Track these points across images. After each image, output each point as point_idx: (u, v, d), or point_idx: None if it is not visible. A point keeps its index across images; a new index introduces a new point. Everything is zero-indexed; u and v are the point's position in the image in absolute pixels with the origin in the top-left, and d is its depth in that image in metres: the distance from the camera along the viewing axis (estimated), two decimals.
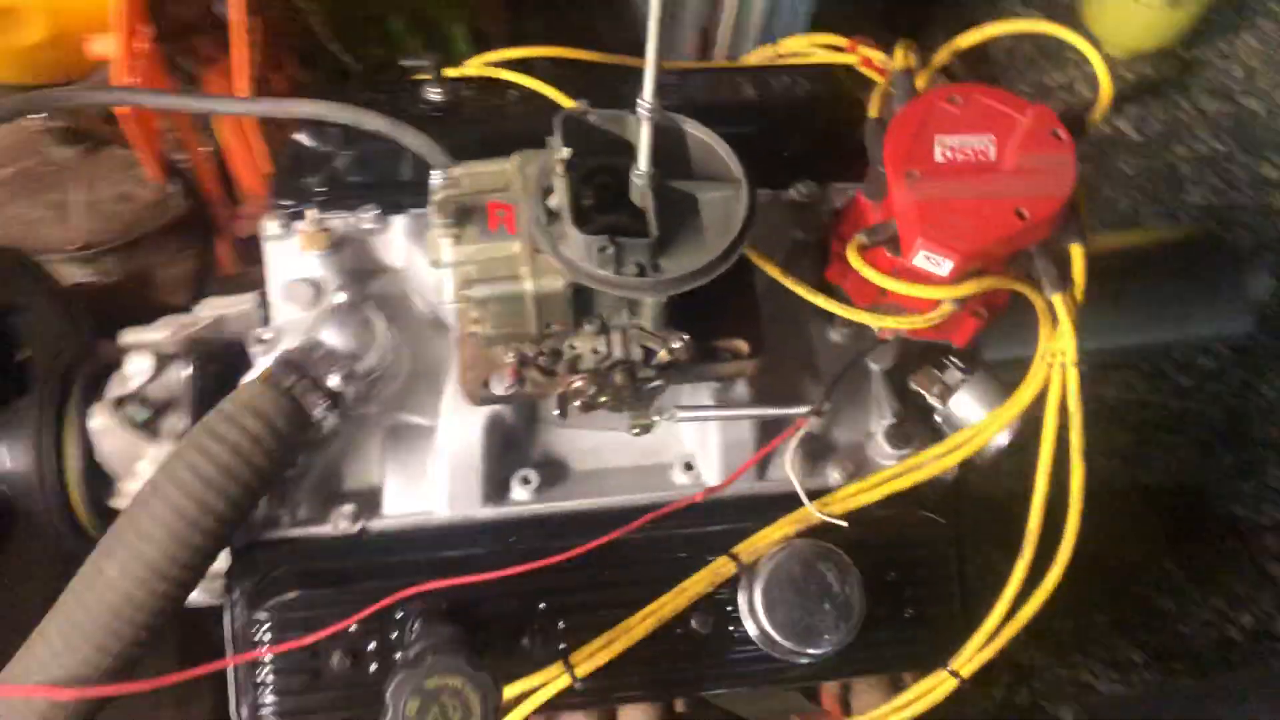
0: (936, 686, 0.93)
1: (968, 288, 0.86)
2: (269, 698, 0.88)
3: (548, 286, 0.84)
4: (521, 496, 0.98)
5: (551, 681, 0.87)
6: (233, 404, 0.87)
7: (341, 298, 0.99)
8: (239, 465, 0.85)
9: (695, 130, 0.88)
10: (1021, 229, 0.87)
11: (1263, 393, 2.18)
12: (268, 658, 0.88)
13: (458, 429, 0.96)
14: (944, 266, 0.86)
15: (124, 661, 0.84)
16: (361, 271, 1.04)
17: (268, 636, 0.88)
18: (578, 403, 0.88)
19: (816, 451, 1.01)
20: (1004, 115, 0.91)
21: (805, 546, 0.90)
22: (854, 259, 0.88)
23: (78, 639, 0.83)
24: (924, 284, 0.86)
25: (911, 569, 0.95)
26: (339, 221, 1.04)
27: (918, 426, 1.03)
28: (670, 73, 1.18)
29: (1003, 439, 0.98)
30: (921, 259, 0.86)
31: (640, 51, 0.75)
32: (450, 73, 1.14)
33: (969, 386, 1.02)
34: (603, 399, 0.87)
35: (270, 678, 0.88)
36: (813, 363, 1.04)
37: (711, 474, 0.99)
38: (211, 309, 1.06)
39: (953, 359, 1.03)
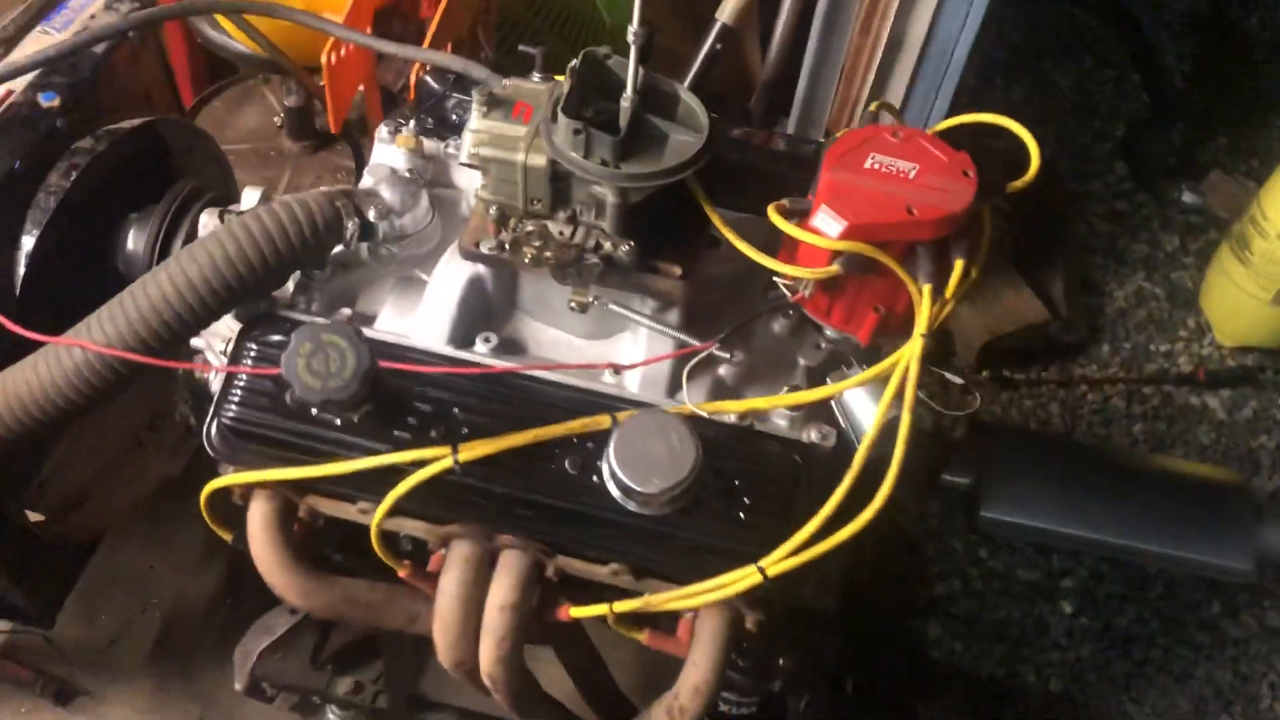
0: (743, 579, 1.07)
1: (845, 245, 1.07)
2: (234, 409, 1.13)
3: (534, 161, 1.11)
4: (480, 349, 1.21)
5: (438, 460, 1.08)
6: (295, 197, 1.17)
7: (406, 173, 1.29)
8: (280, 234, 1.13)
9: (685, 95, 1.15)
10: (906, 221, 1.08)
11: None
12: (243, 377, 1.13)
13: (446, 277, 1.22)
14: (834, 228, 1.07)
15: (148, 350, 1.11)
16: (433, 180, 1.34)
17: (249, 359, 1.14)
18: (530, 253, 1.12)
19: (720, 394, 1.21)
20: (932, 153, 1.14)
21: (664, 414, 1.09)
22: (771, 214, 1.11)
23: (121, 319, 1.11)
24: (815, 235, 1.08)
25: (756, 482, 1.12)
26: (431, 143, 1.36)
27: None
28: None
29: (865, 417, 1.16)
30: (819, 218, 1.08)
31: None
32: None
33: (861, 389, 1.20)
34: (547, 254, 1.12)
35: (239, 393, 1.13)
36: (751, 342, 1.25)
37: (633, 383, 1.20)
38: None
39: (854, 358, 1.22)
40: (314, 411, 1.11)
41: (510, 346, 1.24)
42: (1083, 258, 2.78)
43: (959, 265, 1.12)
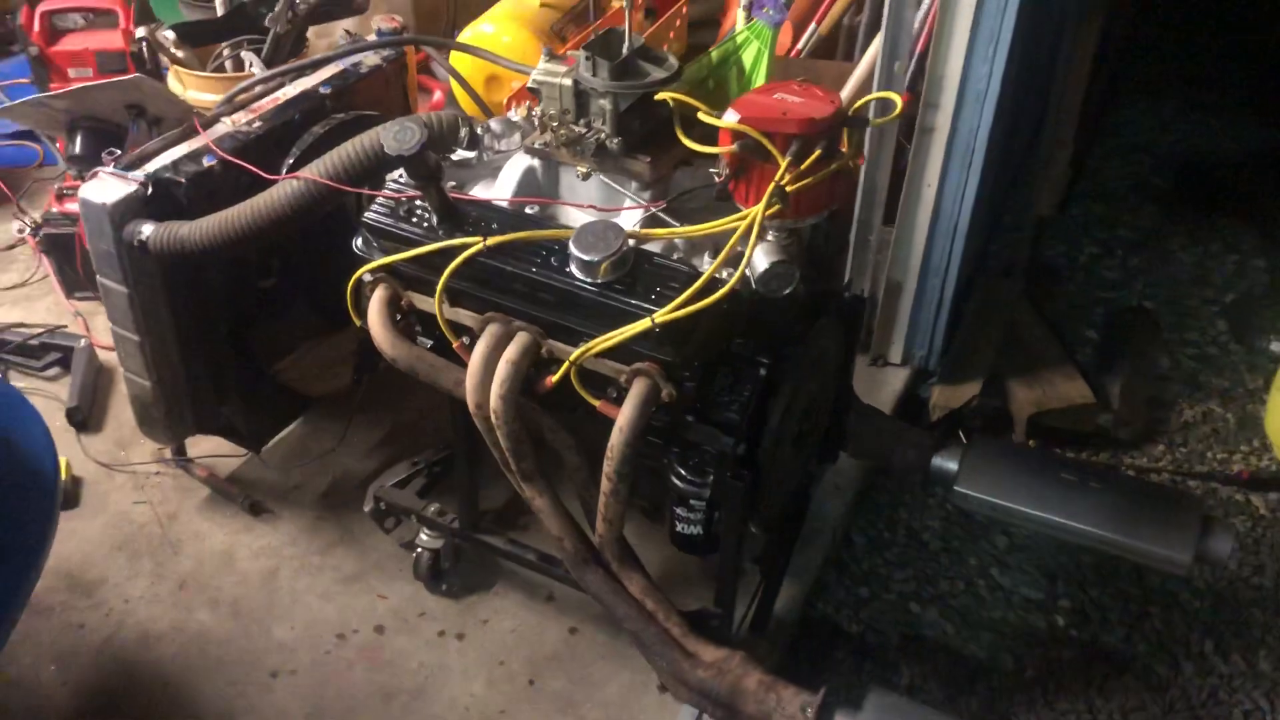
0: (638, 327, 1.65)
1: (733, 125, 1.69)
2: (370, 215, 1.87)
3: (565, 82, 1.83)
4: (531, 210, 1.90)
5: (474, 245, 1.76)
6: (434, 113, 1.94)
7: (508, 120, 2.04)
8: (420, 126, 1.90)
9: (665, 55, 1.85)
10: (779, 118, 1.69)
11: None
12: (380, 201, 1.88)
13: (513, 164, 1.93)
14: (732, 118, 1.70)
15: (343, 182, 1.89)
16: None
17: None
18: (556, 140, 1.82)
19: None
20: (816, 94, 1.76)
21: (606, 221, 1.72)
22: (705, 117, 1.75)
23: (329, 163, 1.90)
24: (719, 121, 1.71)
25: (668, 284, 1.70)
26: None
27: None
28: None
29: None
30: (726, 114, 1.71)
31: None
32: None
33: (765, 246, 1.77)
34: (564, 135, 1.81)
35: (375, 209, 1.87)
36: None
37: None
38: None
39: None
40: (414, 218, 1.83)
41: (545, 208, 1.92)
42: (1158, 384, 3.11)
43: (816, 152, 1.71)
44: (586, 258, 1.69)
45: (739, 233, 1.69)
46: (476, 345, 1.82)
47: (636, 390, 1.75)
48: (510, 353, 1.79)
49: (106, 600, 2.27)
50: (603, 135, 1.83)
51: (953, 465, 2.30)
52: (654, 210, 1.83)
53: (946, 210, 2.65)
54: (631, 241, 1.72)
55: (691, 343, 1.74)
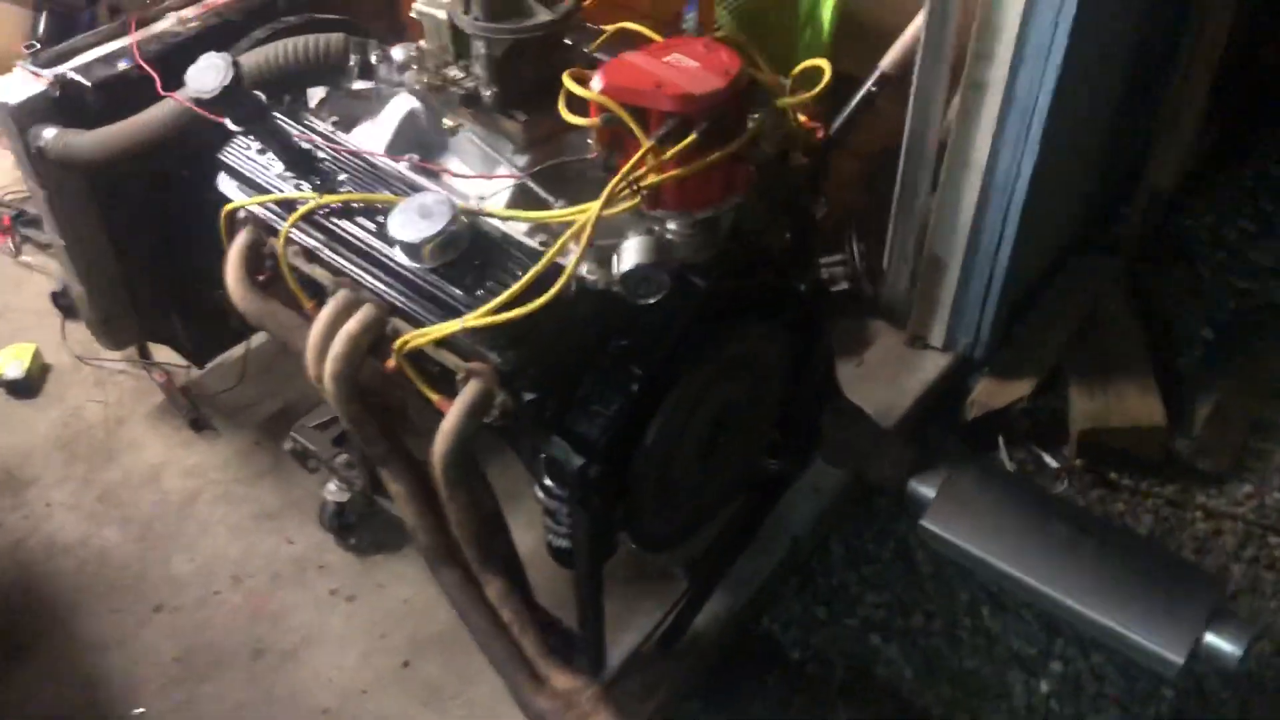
0: (449, 328, 1.40)
1: (591, 95, 1.37)
2: (230, 155, 1.67)
3: (439, 15, 1.54)
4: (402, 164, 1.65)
5: (311, 202, 1.53)
6: (330, 35, 1.70)
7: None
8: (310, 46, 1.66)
9: None
10: (651, 90, 1.36)
11: None
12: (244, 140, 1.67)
13: (395, 104, 1.68)
14: (597, 86, 1.38)
15: None
16: None
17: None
18: (422, 83, 1.55)
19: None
20: (719, 60, 1.41)
21: (437, 194, 1.45)
22: (565, 76, 1.43)
23: None
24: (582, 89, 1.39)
25: (502, 277, 1.44)
26: None
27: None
28: None
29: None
30: (594, 80, 1.39)
31: None
32: None
33: (637, 242, 1.46)
34: (430, 83, 1.54)
35: (237, 147, 1.67)
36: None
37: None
38: None
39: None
40: (265, 160, 1.62)
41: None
42: (1270, 405, 2.58)
43: (691, 137, 1.37)
44: (404, 238, 1.44)
45: (573, 229, 1.39)
46: (321, 311, 1.61)
47: (465, 394, 1.50)
48: (350, 326, 1.57)
49: (30, 502, 2.25)
50: (478, 84, 1.55)
51: (929, 492, 1.96)
52: (525, 180, 1.54)
53: (999, 182, 2.20)
54: (464, 219, 1.45)
55: (528, 346, 1.47)
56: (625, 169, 1.37)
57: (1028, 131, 2.10)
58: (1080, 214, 2.74)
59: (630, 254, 1.45)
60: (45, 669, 1.98)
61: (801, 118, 1.72)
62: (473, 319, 1.40)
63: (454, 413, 1.51)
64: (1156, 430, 2.39)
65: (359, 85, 1.74)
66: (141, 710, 1.92)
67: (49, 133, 1.90)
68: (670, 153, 1.37)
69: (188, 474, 2.30)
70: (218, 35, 2.03)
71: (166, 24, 2.06)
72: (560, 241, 1.39)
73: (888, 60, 2.44)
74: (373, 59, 1.71)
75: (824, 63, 1.53)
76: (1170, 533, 2.34)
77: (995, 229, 2.27)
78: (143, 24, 2.04)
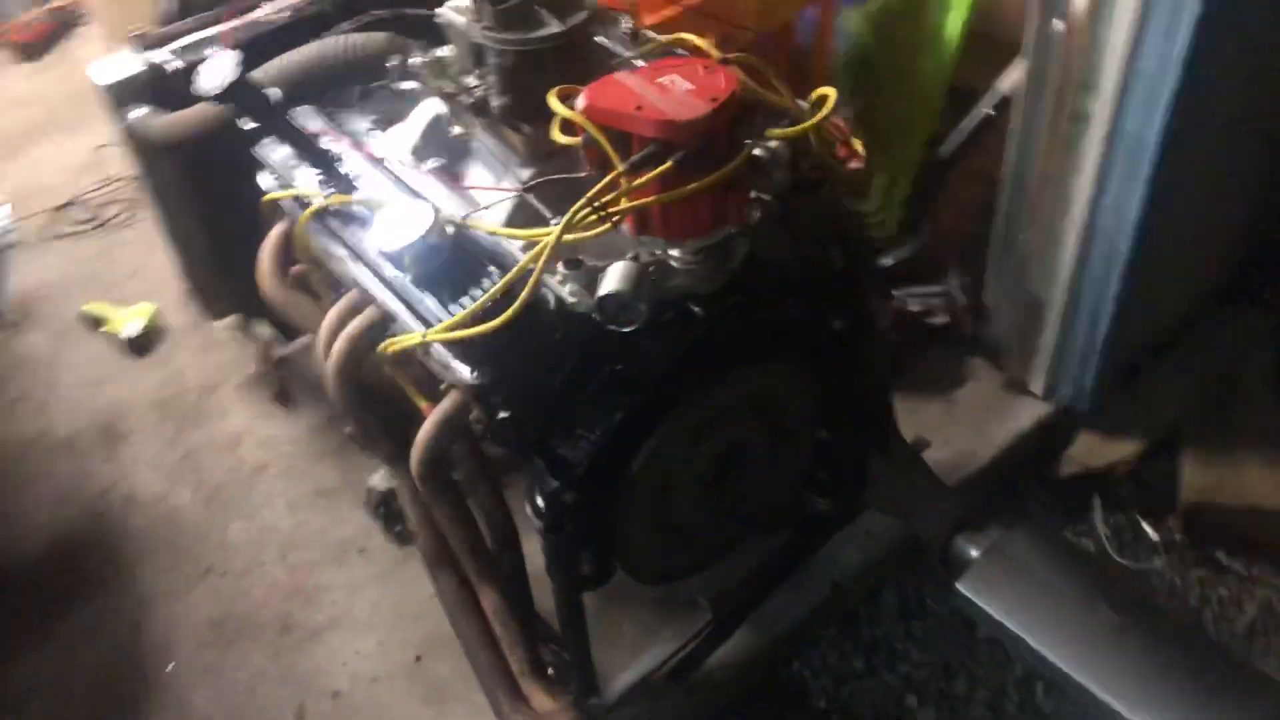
0: (411, 339, 1.38)
1: (571, 115, 1.32)
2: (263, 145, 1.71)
3: (460, 23, 1.52)
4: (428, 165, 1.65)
5: (322, 200, 1.55)
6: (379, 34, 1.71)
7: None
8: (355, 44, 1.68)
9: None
10: (630, 114, 1.29)
11: None
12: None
13: (420, 111, 1.66)
14: (579, 106, 1.33)
15: None
16: None
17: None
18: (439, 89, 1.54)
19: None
20: (713, 84, 1.33)
21: (423, 205, 1.43)
22: (551, 100, 1.38)
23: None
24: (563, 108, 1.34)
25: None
26: None
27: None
28: None
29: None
30: (578, 99, 1.34)
31: None
32: None
33: (621, 267, 1.39)
34: (445, 90, 1.52)
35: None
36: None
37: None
38: None
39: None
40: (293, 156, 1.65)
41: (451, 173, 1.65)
42: None
43: (666, 164, 1.30)
44: (382, 246, 1.43)
45: (534, 252, 1.34)
46: (331, 310, 1.64)
47: (442, 405, 1.49)
48: (351, 328, 1.59)
49: (120, 456, 2.41)
50: (489, 93, 1.52)
51: (973, 553, 1.82)
52: (522, 195, 1.50)
53: (1104, 224, 2.00)
54: (449, 230, 1.43)
55: (500, 364, 1.44)
56: (592, 192, 1.31)
57: (1136, 173, 1.90)
58: (1222, 264, 2.46)
59: (611, 280, 1.39)
60: (100, 612, 2.11)
61: (840, 146, 1.61)
62: (433, 334, 1.38)
63: (429, 422, 1.50)
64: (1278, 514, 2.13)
65: (403, 85, 1.75)
66: (173, 665, 2.02)
67: (136, 113, 2.00)
68: (644, 179, 1.31)
69: (262, 445, 2.40)
70: (308, 26, 2.09)
71: (262, 12, 2.13)
72: (521, 264, 1.35)
73: (1008, 82, 2.27)
74: (413, 60, 1.70)
75: (830, 91, 1.42)
76: (1277, 629, 2.08)
77: (1100, 273, 2.06)
78: (243, 12, 2.13)
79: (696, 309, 1.47)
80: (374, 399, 1.67)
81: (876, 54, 2.64)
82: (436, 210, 1.44)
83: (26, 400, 2.54)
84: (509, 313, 1.34)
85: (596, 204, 1.30)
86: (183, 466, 2.37)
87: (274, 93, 1.60)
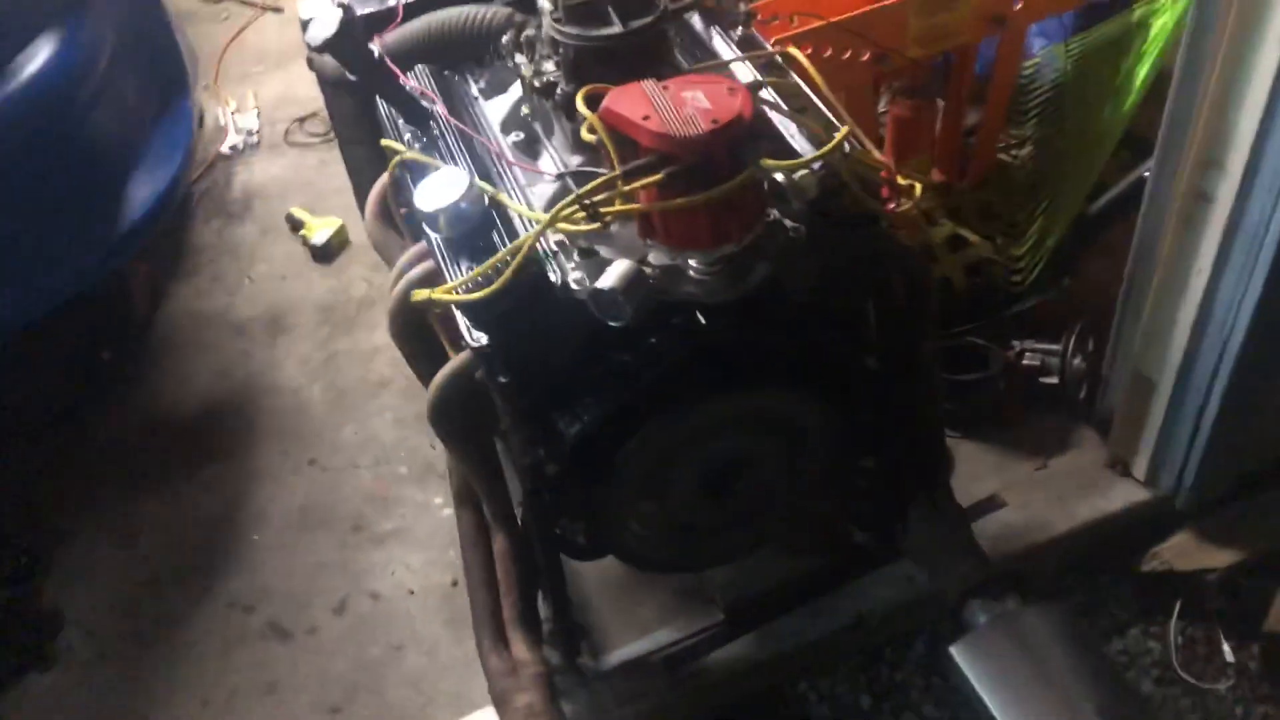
0: (423, 295, 1.52)
1: (584, 110, 1.40)
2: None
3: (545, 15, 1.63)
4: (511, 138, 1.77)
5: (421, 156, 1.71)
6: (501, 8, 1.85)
7: None
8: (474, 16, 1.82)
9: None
10: (634, 123, 1.36)
11: None
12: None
13: (515, 88, 1.78)
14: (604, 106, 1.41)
15: None
16: None
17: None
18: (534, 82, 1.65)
19: None
20: (719, 107, 1.37)
21: (457, 172, 1.55)
22: (578, 99, 1.46)
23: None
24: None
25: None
26: None
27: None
28: None
29: None
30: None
31: None
32: None
33: (621, 265, 1.46)
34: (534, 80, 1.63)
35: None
36: None
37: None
38: None
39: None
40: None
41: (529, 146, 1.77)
42: None
43: (658, 176, 1.35)
44: (421, 205, 1.57)
45: (531, 234, 1.44)
46: (401, 255, 1.81)
47: (455, 359, 1.63)
48: (411, 274, 1.75)
49: (277, 345, 2.71)
50: (559, 81, 1.62)
51: (980, 619, 1.78)
52: (562, 180, 1.60)
53: (1219, 311, 1.85)
54: (484, 200, 1.55)
55: (501, 332, 1.54)
56: (583, 190, 1.39)
57: (1254, 262, 1.75)
58: None
59: (608, 276, 1.46)
60: (216, 477, 2.42)
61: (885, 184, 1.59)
62: (436, 292, 1.51)
63: (441, 372, 1.64)
64: None
65: (511, 60, 1.87)
66: (258, 537, 2.30)
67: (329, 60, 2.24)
68: (631, 186, 1.37)
69: (392, 363, 2.63)
70: None
71: None
72: (516, 243, 1.45)
73: None
74: (527, 33, 1.82)
75: (844, 129, 1.41)
76: None
77: (1210, 361, 1.91)
78: None
79: (701, 319, 1.53)
80: (426, 340, 1.82)
81: (1070, 91, 2.53)
82: (472, 177, 1.56)
83: (222, 281, 2.90)
84: (497, 284, 1.44)
85: (585, 202, 1.38)
86: (324, 367, 2.65)
87: (375, 49, 1.75)
